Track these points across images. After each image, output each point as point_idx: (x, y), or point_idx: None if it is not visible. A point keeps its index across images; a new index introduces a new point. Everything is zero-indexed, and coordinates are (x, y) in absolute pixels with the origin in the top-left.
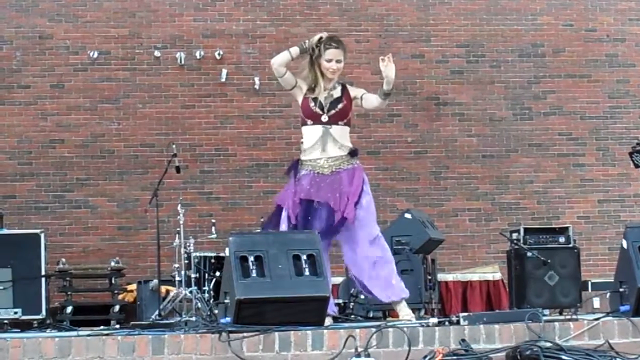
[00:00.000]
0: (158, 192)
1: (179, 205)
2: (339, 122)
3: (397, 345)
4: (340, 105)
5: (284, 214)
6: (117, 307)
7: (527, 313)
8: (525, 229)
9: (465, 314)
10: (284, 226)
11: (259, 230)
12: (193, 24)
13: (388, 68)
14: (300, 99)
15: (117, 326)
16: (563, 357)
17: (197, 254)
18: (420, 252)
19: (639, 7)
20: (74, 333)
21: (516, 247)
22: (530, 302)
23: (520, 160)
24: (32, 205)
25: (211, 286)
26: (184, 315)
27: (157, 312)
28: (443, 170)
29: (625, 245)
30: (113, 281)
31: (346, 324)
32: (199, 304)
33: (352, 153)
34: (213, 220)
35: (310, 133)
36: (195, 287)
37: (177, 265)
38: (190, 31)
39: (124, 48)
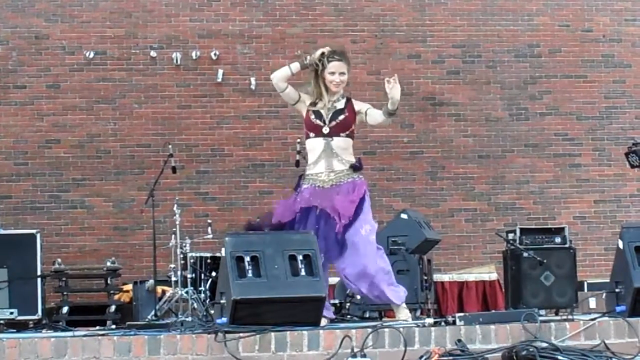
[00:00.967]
0: (154, 192)
1: (175, 205)
2: (341, 134)
3: (393, 345)
4: (341, 117)
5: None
6: (113, 308)
7: (523, 313)
8: (522, 229)
9: (461, 314)
10: None
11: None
12: (189, 24)
13: (394, 89)
14: (304, 113)
15: (113, 326)
16: (559, 357)
17: (193, 254)
18: (417, 253)
19: (635, 7)
20: (70, 333)
21: (512, 247)
22: (526, 302)
23: (516, 161)
24: (28, 206)
25: (207, 286)
26: (180, 316)
27: (153, 313)
28: (439, 170)
29: (621, 245)
30: (109, 281)
31: (342, 324)
32: (195, 304)
33: (354, 167)
34: (209, 221)
35: (313, 146)
36: (192, 288)
37: (173, 266)
38: (186, 31)
39: (120, 48)
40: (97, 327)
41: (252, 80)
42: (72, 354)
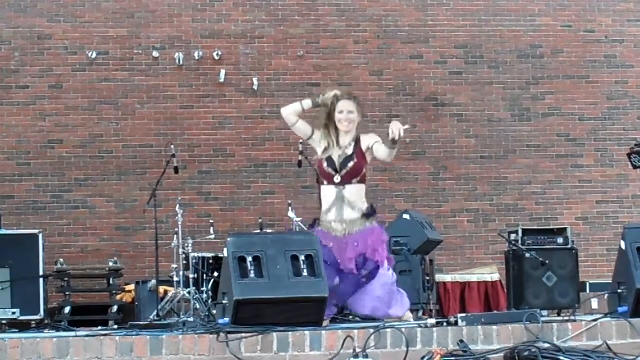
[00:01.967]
0: (156, 193)
1: (178, 205)
2: (353, 181)
3: (395, 346)
4: (351, 164)
5: None
6: (115, 308)
7: (526, 314)
8: (524, 230)
9: (464, 314)
10: None
11: (258, 231)
12: (192, 24)
13: (398, 131)
14: (318, 150)
15: (116, 327)
16: (561, 358)
17: (196, 255)
18: (419, 253)
19: (637, 8)
20: (72, 333)
21: (514, 248)
22: (528, 303)
23: (518, 162)
24: (31, 206)
25: (209, 287)
26: (182, 316)
27: (155, 313)
28: (441, 171)
29: (623, 246)
30: (111, 281)
31: (344, 325)
32: (197, 305)
33: (367, 215)
34: (211, 221)
35: (326, 194)
36: (194, 288)
37: (175, 266)
38: (189, 32)
39: (122, 48)
40: (100, 327)
41: (255, 80)
42: (75, 354)
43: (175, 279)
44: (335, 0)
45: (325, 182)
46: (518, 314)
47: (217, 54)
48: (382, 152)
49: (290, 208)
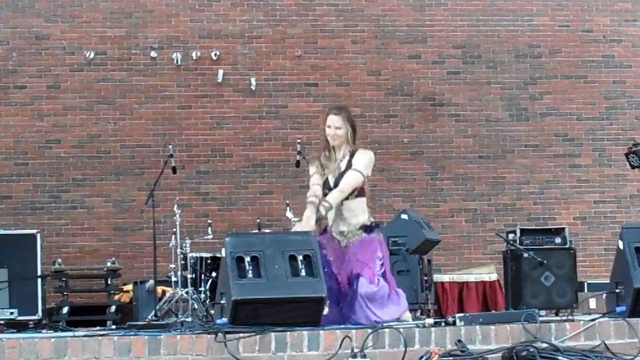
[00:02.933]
0: (154, 193)
1: (175, 205)
2: (349, 197)
3: (393, 345)
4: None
5: None
6: (113, 308)
7: (523, 314)
8: (522, 230)
9: (462, 314)
10: None
11: (256, 231)
12: (189, 24)
13: None
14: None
15: (113, 327)
16: (559, 357)
17: (193, 255)
18: (417, 253)
19: (635, 8)
20: (70, 333)
21: (512, 247)
22: (526, 302)
23: (516, 161)
24: (28, 206)
25: (207, 287)
26: (180, 316)
27: (153, 313)
28: (439, 171)
29: (621, 246)
30: (109, 282)
31: (342, 325)
32: (195, 305)
33: (365, 228)
34: (209, 221)
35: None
36: (192, 288)
37: (173, 266)
38: (187, 32)
39: (120, 48)
40: (97, 328)
41: (253, 80)
42: (72, 354)
43: (173, 279)
44: (333, 0)
45: None
46: (516, 313)
47: (215, 54)
48: (338, 188)
49: (288, 208)
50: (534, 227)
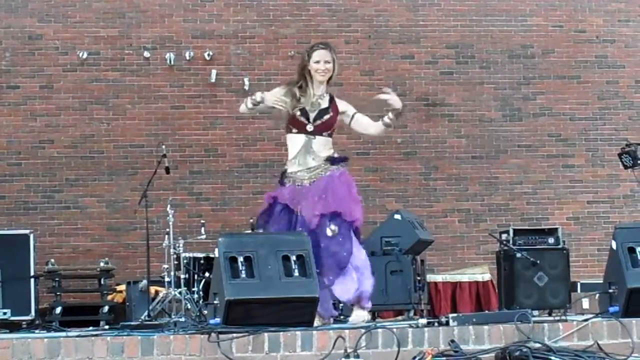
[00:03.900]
0: (147, 193)
1: (169, 205)
2: (323, 133)
3: (386, 346)
4: (326, 117)
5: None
6: (106, 308)
7: (517, 314)
8: (515, 230)
9: (455, 314)
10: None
11: (249, 231)
12: (182, 24)
13: (396, 101)
14: (289, 109)
15: (107, 327)
16: (552, 358)
17: (187, 255)
18: (410, 253)
19: (628, 8)
20: (63, 334)
21: (505, 248)
22: (519, 303)
23: (509, 162)
24: (21, 206)
25: (200, 287)
26: (173, 316)
27: (146, 313)
28: (432, 171)
29: (614, 246)
30: (102, 282)
31: (335, 325)
32: (189, 305)
33: (331, 160)
34: (202, 221)
35: (294, 142)
36: (185, 288)
37: (166, 266)
38: (180, 32)
39: (113, 49)
40: (91, 328)
41: (246, 80)
42: (65, 355)
43: (167, 279)
44: (326, 0)
45: (295, 130)
46: (509, 313)
47: (208, 54)
48: (367, 125)
49: None
50: (527, 227)
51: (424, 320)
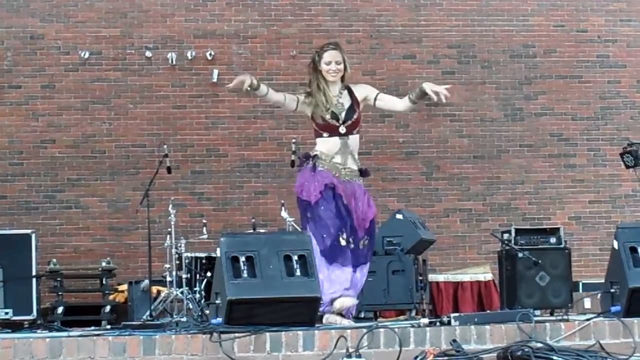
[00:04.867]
0: (149, 193)
1: (170, 205)
2: (354, 132)
3: (388, 345)
4: (355, 116)
5: (321, 207)
6: (108, 308)
7: (518, 313)
8: (517, 230)
9: (457, 314)
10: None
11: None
12: (184, 24)
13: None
14: (309, 113)
15: (108, 327)
16: (554, 357)
17: (188, 255)
18: (412, 253)
19: (630, 8)
20: (65, 333)
21: (507, 247)
22: (521, 302)
23: (511, 161)
24: (23, 206)
25: (202, 287)
26: (175, 316)
27: (148, 313)
28: (434, 170)
29: (616, 245)
30: (104, 281)
31: (337, 325)
32: (190, 305)
33: (362, 173)
34: (204, 221)
35: (329, 145)
36: (187, 288)
37: (168, 266)
38: (182, 31)
39: (115, 48)
40: (92, 328)
41: None
42: (67, 354)
43: (168, 279)
44: (328, 0)
45: (326, 134)
46: (511, 313)
47: (210, 54)
48: (395, 103)
49: (283, 208)
50: (528, 227)
51: (425, 320)
